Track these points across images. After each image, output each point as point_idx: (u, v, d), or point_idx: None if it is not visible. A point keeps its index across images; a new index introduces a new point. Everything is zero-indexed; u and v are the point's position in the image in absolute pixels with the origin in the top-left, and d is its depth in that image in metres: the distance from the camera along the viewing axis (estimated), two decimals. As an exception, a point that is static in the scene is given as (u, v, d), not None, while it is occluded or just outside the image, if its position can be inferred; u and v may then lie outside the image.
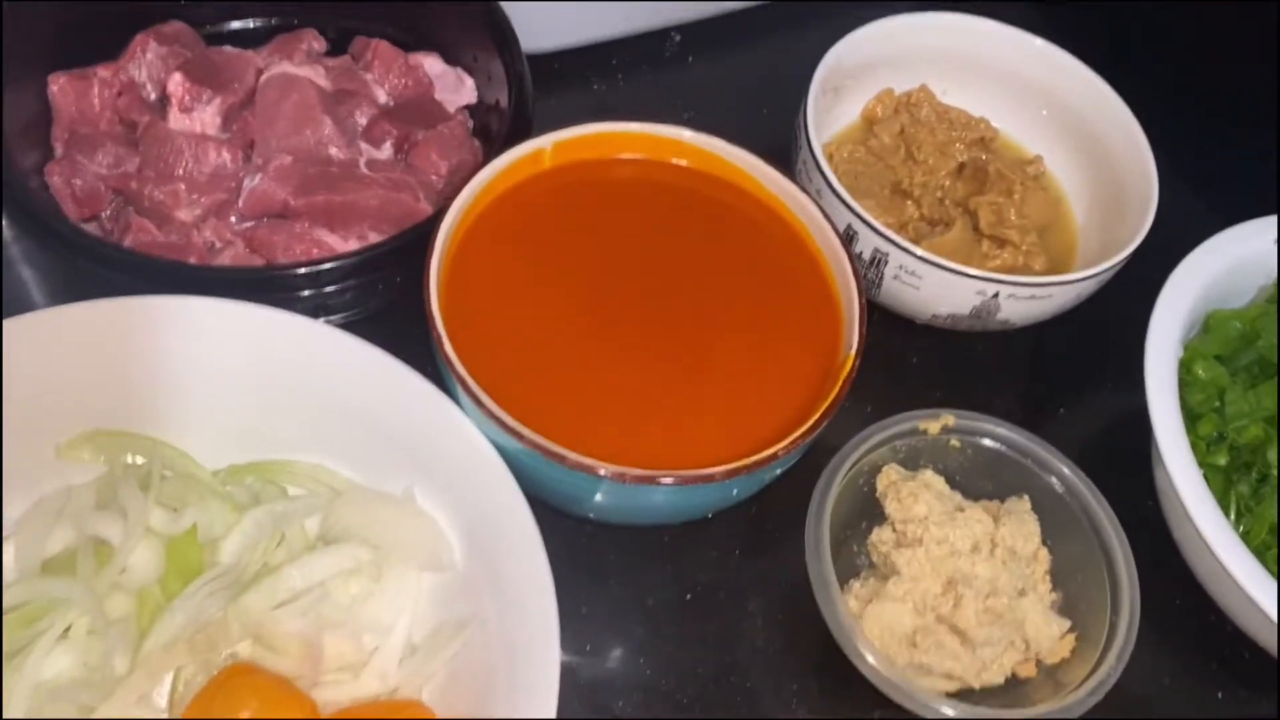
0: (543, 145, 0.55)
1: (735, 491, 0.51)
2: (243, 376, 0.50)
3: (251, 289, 0.52)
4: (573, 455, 0.46)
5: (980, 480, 0.57)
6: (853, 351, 0.51)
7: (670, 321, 0.53)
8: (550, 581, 0.45)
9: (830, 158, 0.67)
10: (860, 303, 0.52)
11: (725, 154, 0.57)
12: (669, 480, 0.46)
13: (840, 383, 0.50)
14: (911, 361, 0.65)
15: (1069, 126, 0.68)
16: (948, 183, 0.67)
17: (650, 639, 0.54)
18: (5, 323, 0.48)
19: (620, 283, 0.53)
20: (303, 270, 0.52)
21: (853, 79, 0.68)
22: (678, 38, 0.77)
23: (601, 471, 0.46)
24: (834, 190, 0.59)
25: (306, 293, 0.53)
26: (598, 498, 0.49)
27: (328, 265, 0.52)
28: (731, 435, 0.49)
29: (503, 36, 0.63)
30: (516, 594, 0.45)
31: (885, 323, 0.63)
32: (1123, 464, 0.58)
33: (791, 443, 0.48)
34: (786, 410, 0.51)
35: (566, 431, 0.47)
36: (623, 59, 0.75)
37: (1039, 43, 0.68)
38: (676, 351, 0.52)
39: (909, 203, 0.65)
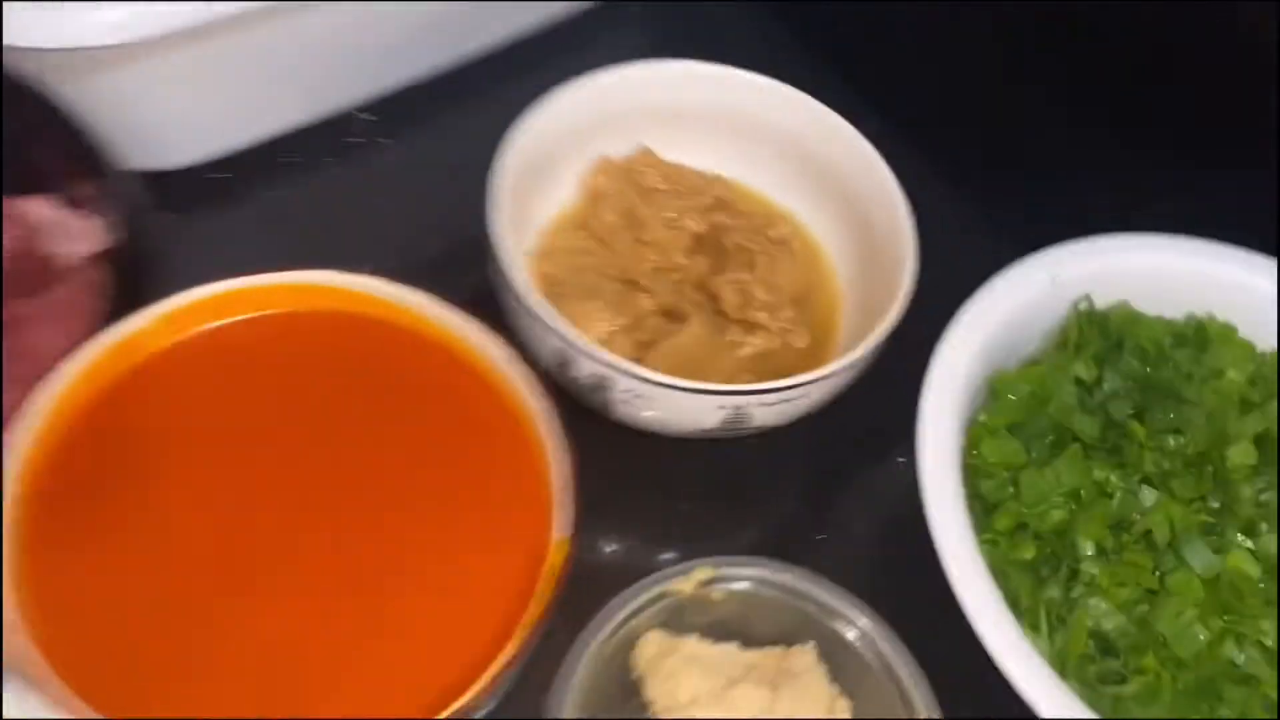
0: (142, 324, 0.44)
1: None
2: None
3: None
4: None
5: (760, 624, 0.48)
6: (565, 536, 0.41)
7: (332, 539, 0.42)
8: None
9: (546, 255, 0.57)
10: (569, 471, 0.42)
11: (389, 297, 0.46)
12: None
13: (544, 591, 0.40)
14: (666, 476, 0.55)
15: (816, 173, 0.59)
16: (684, 262, 0.57)
17: None
18: None
19: (266, 498, 0.42)
20: None
21: (564, 147, 0.58)
22: (367, 117, 0.66)
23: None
24: (530, 309, 0.49)
25: None
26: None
27: None
28: (413, 686, 0.39)
29: (94, 162, 0.51)
30: None
31: (628, 435, 0.53)
32: (922, 574, 0.50)
33: (479, 692, 0.38)
34: (487, 631, 0.40)
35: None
36: (297, 155, 0.63)
37: (769, 83, 0.59)
38: (342, 580, 0.41)
39: (641, 295, 0.56)
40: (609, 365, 0.48)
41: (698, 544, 0.54)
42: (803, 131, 0.59)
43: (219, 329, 0.44)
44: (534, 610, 0.39)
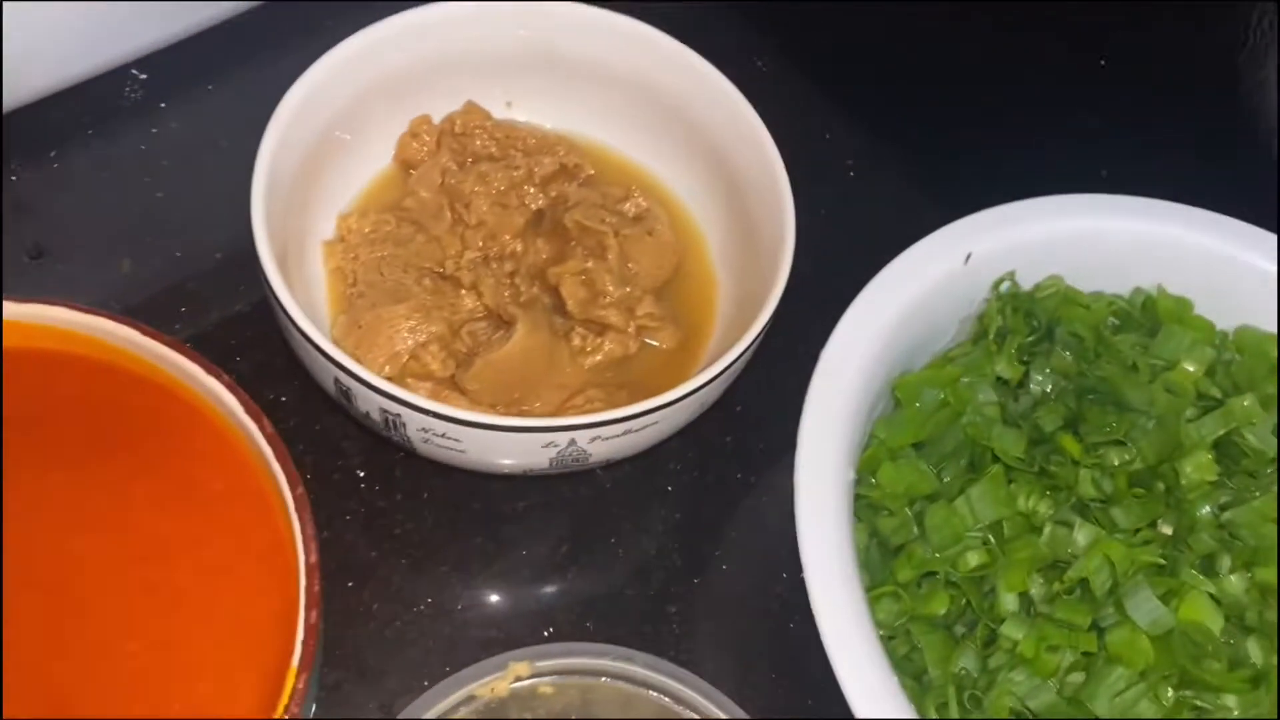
0: None
1: None
2: None
3: None
4: None
5: (614, 714, 0.39)
6: (294, 664, 0.31)
7: (42, 622, 0.31)
8: None
9: (345, 241, 0.46)
10: (312, 560, 0.32)
11: (113, 338, 0.35)
12: None
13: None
14: (493, 515, 0.45)
15: (684, 130, 0.48)
16: (517, 248, 0.46)
17: None
18: None
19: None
20: None
21: (372, 105, 0.47)
22: (142, 76, 0.54)
23: None
24: (299, 330, 0.38)
25: None
26: None
27: None
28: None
29: None
30: None
31: (453, 473, 0.43)
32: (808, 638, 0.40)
33: None
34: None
35: None
36: (54, 124, 0.51)
37: (616, 19, 0.48)
38: (50, 674, 0.31)
39: (462, 294, 0.45)
40: (396, 400, 0.37)
41: (532, 603, 0.44)
42: (663, 79, 0.47)
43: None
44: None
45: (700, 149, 0.48)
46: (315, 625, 0.32)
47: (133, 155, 0.52)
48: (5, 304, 0.34)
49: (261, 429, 0.33)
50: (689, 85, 0.47)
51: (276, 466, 0.33)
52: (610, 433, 0.38)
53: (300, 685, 0.30)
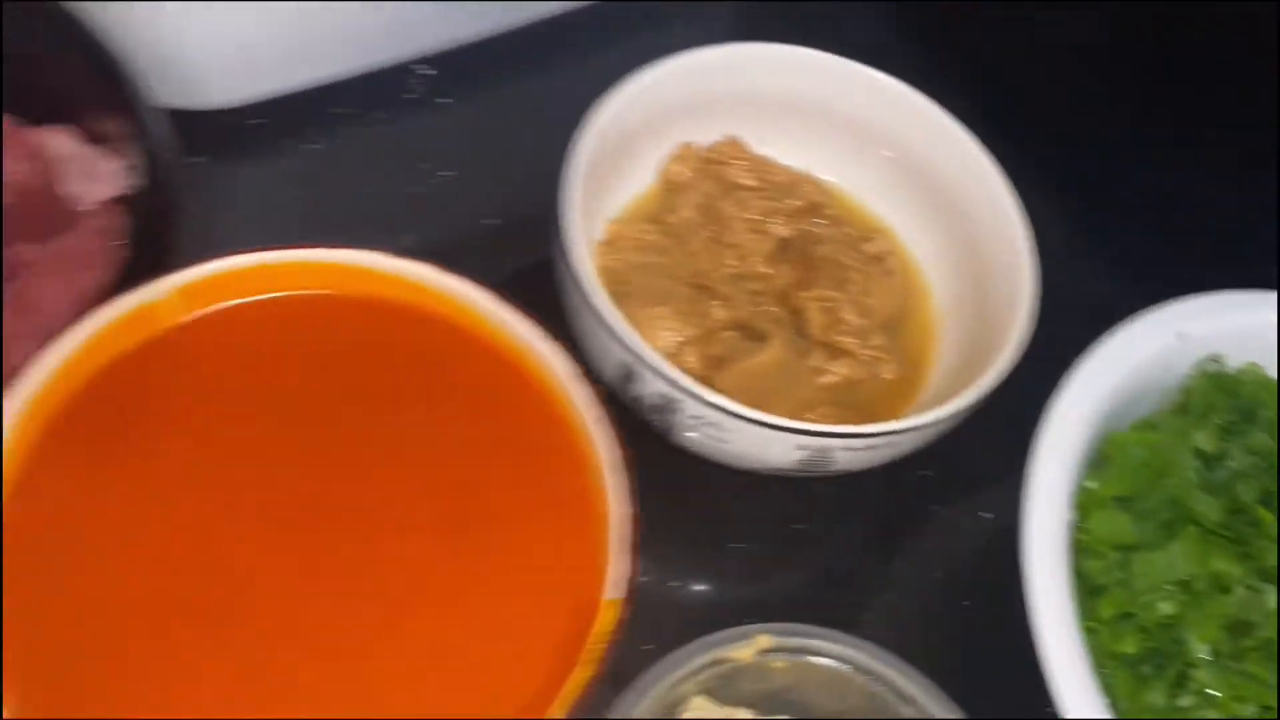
0: (157, 297, 0.38)
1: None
2: None
3: None
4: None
5: (819, 698, 0.43)
6: (618, 598, 0.35)
7: (344, 557, 0.36)
8: None
9: (613, 244, 0.51)
10: (630, 513, 0.37)
11: (441, 288, 0.40)
12: None
13: (594, 654, 0.34)
14: (721, 511, 0.49)
15: (922, 184, 0.53)
16: (766, 270, 0.51)
17: None
18: None
19: (273, 502, 0.36)
20: None
21: (645, 130, 0.52)
22: (426, 72, 0.59)
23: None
24: (596, 312, 0.43)
25: None
26: None
27: None
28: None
29: (123, 95, 0.45)
30: None
31: (683, 460, 0.47)
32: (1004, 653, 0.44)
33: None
34: (522, 687, 0.35)
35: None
36: (348, 105, 0.57)
37: (880, 78, 0.53)
38: (352, 604, 0.35)
39: (715, 304, 0.49)
40: (680, 387, 0.42)
41: (749, 591, 0.48)
42: (912, 135, 0.52)
43: (242, 306, 0.39)
44: (582, 674, 0.34)
45: (938, 203, 0.52)
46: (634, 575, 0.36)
47: (414, 142, 0.58)
48: (374, 255, 0.39)
49: (586, 391, 0.38)
50: (936, 144, 0.52)
51: (598, 427, 0.37)
52: (859, 445, 0.43)
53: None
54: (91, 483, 0.35)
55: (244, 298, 0.39)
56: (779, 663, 0.41)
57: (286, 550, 0.36)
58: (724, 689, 0.42)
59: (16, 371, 0.42)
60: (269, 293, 0.39)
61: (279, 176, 0.55)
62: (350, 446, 0.38)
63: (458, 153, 0.57)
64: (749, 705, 0.42)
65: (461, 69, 0.59)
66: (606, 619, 0.35)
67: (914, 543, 0.50)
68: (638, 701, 0.39)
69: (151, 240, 0.42)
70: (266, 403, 0.38)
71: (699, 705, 0.41)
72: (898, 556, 0.49)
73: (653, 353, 0.42)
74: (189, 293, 0.38)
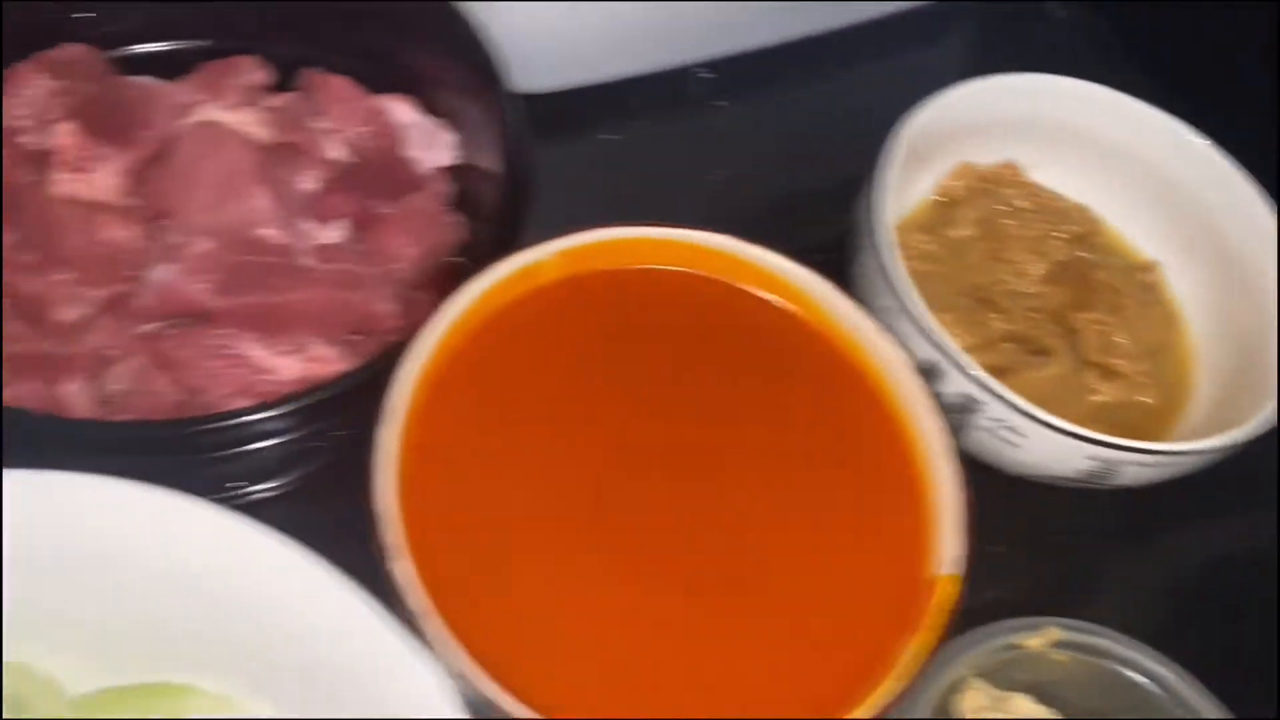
0: (543, 257, 0.42)
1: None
2: (129, 572, 0.36)
3: (142, 447, 0.38)
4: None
5: (1087, 698, 0.45)
6: (956, 572, 0.38)
7: (698, 519, 0.40)
8: None
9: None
10: (964, 497, 0.40)
11: (781, 272, 0.44)
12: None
13: (934, 619, 0.37)
14: (998, 521, 0.52)
15: (1191, 222, 0.55)
16: (1042, 289, 0.54)
17: None
18: None
19: (640, 455, 0.40)
20: (208, 427, 0.39)
21: (927, 148, 0.55)
22: (705, 75, 0.63)
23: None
24: (906, 307, 0.46)
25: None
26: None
27: (246, 419, 0.39)
28: (777, 688, 0.37)
29: (492, 77, 0.49)
30: None
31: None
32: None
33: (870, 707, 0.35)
34: (847, 651, 0.38)
35: (559, 689, 0.34)
36: (638, 100, 0.61)
37: (1158, 116, 0.55)
38: (703, 564, 0.39)
39: (994, 316, 0.52)
40: (987, 388, 0.45)
41: (1003, 591, 0.51)
42: (1185, 175, 0.55)
43: (611, 272, 0.42)
44: (925, 639, 0.37)
45: (1206, 240, 0.54)
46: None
47: (692, 140, 0.61)
48: (694, 233, 0.43)
49: (918, 380, 0.41)
50: (1208, 180, 0.54)
51: (930, 416, 0.40)
52: (1150, 460, 0.45)
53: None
54: (484, 406, 0.40)
55: (613, 266, 0.42)
56: (1061, 656, 0.44)
57: (640, 494, 0.39)
58: (999, 674, 0.44)
59: (373, 314, 0.47)
60: (634, 264, 0.43)
61: (571, 158, 0.59)
62: (697, 411, 0.42)
63: (733, 153, 0.61)
64: (1021, 692, 0.44)
65: (737, 75, 0.63)
66: (946, 592, 0.38)
67: (1180, 550, 0.52)
68: (926, 680, 0.42)
69: (511, 210, 0.46)
70: (624, 357, 0.42)
71: (977, 686, 0.44)
72: (1160, 562, 0.51)
73: (963, 353, 0.45)
74: (566, 257, 0.42)
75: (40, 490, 0.36)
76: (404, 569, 0.35)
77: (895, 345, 0.43)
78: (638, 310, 0.43)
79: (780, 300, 0.44)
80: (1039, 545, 0.51)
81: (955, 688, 0.44)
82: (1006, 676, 0.44)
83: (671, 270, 0.43)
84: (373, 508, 0.36)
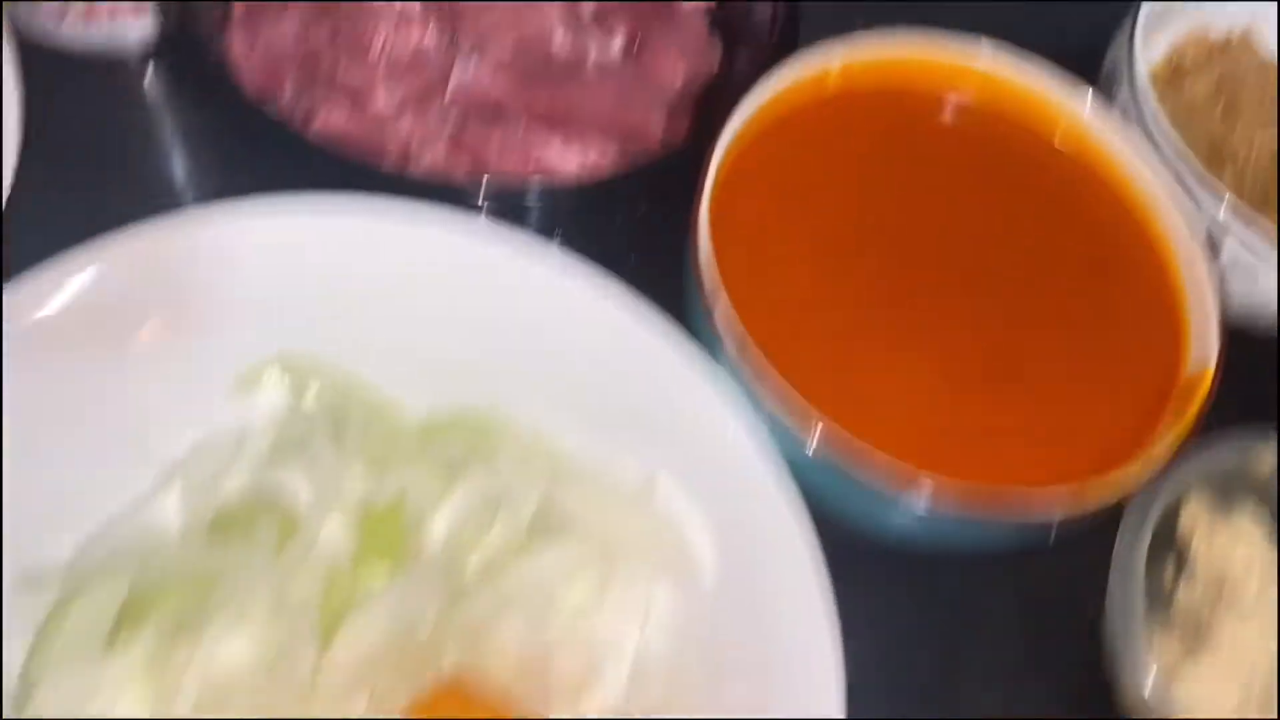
0: (829, 64, 0.45)
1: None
2: (450, 302, 0.41)
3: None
4: (887, 460, 0.37)
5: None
6: (1208, 369, 0.41)
7: (972, 305, 0.43)
8: (832, 620, 0.36)
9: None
10: (1218, 303, 0.42)
11: (1057, 98, 0.47)
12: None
13: (1193, 405, 0.40)
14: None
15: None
16: (1273, 153, 0.55)
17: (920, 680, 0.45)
18: (178, 220, 0.40)
19: (916, 251, 0.44)
20: (539, 189, 0.43)
21: (1168, 11, 0.57)
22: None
23: (927, 489, 0.37)
24: (1164, 146, 0.48)
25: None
26: (904, 519, 0.40)
27: (572, 185, 0.43)
28: (1047, 456, 0.40)
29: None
30: (784, 628, 0.36)
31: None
32: None
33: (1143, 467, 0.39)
34: (1112, 434, 0.41)
35: (856, 429, 0.38)
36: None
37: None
38: (978, 343, 0.43)
39: (1228, 172, 0.54)
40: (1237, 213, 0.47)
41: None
42: None
43: (879, 92, 0.46)
44: (1180, 429, 0.40)
45: None
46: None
47: None
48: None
49: (1184, 206, 0.44)
50: None
51: (1183, 225, 0.44)
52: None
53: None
54: (769, 203, 0.44)
55: (885, 83, 0.46)
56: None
57: (921, 292, 0.43)
58: (1221, 493, 0.46)
59: (644, 125, 0.50)
60: (901, 85, 0.46)
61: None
62: (970, 225, 0.45)
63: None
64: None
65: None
66: (1200, 386, 0.41)
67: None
68: (1157, 498, 0.45)
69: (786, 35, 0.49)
70: (900, 161, 0.46)
71: (1198, 507, 0.46)
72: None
73: (1217, 180, 0.47)
74: (849, 69, 0.45)
75: (398, 220, 0.40)
76: (724, 308, 0.39)
77: (1158, 167, 0.45)
78: (913, 123, 0.46)
79: (1052, 120, 0.47)
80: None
81: (1171, 503, 0.46)
82: (1226, 495, 0.47)
83: (952, 98, 0.47)
84: (696, 257, 0.40)
